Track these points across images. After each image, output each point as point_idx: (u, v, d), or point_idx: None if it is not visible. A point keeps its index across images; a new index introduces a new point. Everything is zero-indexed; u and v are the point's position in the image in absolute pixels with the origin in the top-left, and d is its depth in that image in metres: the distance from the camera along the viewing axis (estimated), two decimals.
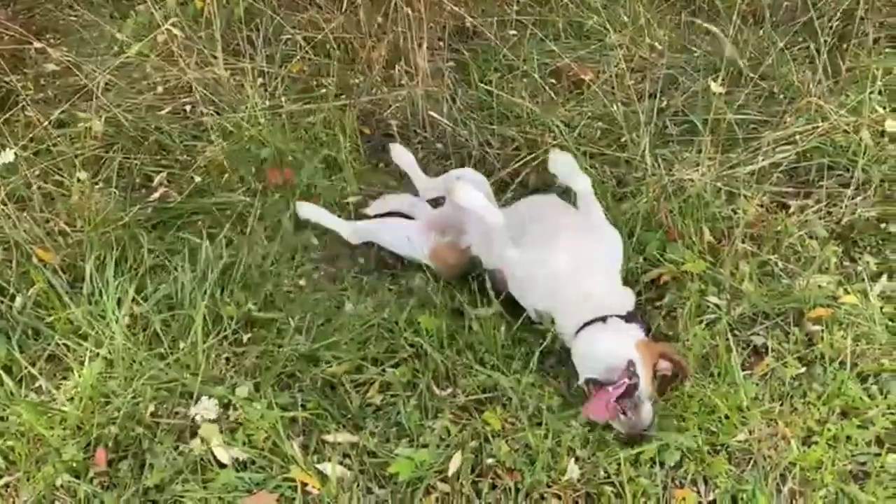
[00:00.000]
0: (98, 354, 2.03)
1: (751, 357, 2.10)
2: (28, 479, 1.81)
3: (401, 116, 2.97)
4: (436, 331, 2.08)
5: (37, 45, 3.40)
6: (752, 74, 2.96)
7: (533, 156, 2.66)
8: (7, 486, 1.82)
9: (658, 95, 2.79)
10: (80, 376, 1.99)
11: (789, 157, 2.49)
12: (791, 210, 2.46)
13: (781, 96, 2.82)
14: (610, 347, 1.88)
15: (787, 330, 2.13)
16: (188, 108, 3.00)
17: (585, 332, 1.95)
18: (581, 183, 2.24)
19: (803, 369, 2.03)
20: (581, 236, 2.14)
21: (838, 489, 1.78)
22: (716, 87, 2.81)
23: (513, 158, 2.69)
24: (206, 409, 1.83)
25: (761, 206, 2.46)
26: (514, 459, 1.83)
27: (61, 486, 1.80)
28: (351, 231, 2.47)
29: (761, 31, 3.22)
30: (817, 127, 2.48)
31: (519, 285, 2.15)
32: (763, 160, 2.44)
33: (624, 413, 1.81)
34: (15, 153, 2.29)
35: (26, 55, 3.35)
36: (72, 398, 1.96)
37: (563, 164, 2.28)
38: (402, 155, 2.71)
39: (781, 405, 1.94)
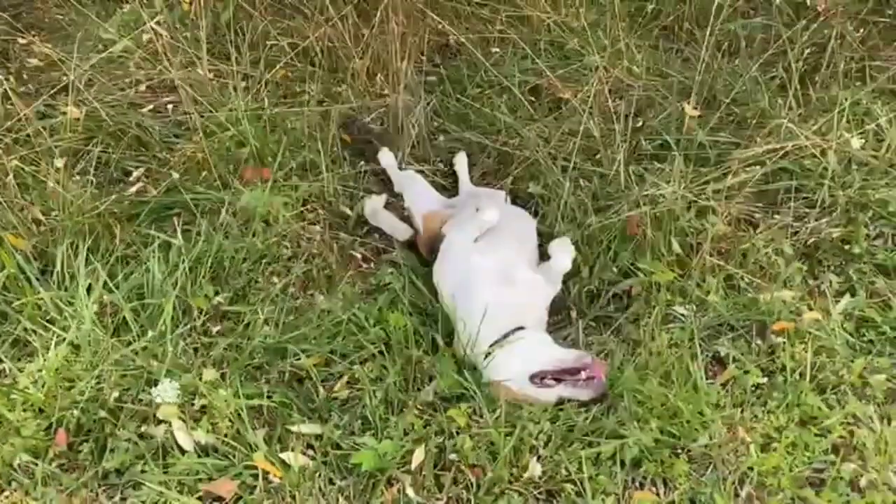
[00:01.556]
0: (64, 339, 2.04)
1: (714, 366, 2.16)
2: None
3: (380, 124, 3.04)
4: (403, 328, 2.12)
5: (21, 40, 3.46)
6: (724, 99, 3.08)
7: (506, 169, 2.75)
8: None
9: (633, 115, 2.89)
10: (44, 360, 1.99)
11: (756, 177, 2.57)
12: (759, 229, 2.54)
13: (752, 121, 2.93)
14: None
15: (750, 341, 2.20)
16: (170, 106, 3.05)
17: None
18: (564, 263, 2.28)
19: (765, 379, 2.09)
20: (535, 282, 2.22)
21: (794, 494, 1.83)
22: (690, 110, 2.92)
23: (489, 169, 2.76)
24: (165, 390, 1.84)
25: (729, 223, 2.54)
26: (478, 455, 1.86)
27: (19, 465, 1.79)
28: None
29: (736, 61, 3.34)
30: (785, 147, 2.58)
31: (453, 276, 2.21)
32: (732, 178, 2.53)
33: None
34: None
35: (10, 50, 3.39)
36: (35, 381, 1.96)
37: (561, 248, 2.31)
38: (386, 157, 2.80)
39: (742, 412, 1.99)
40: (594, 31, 3.38)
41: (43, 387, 1.94)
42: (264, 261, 2.39)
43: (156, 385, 1.94)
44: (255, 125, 2.85)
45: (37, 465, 1.80)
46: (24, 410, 1.89)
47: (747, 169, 2.59)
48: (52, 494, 1.75)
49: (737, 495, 1.85)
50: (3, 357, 2.01)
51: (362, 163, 2.91)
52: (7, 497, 1.77)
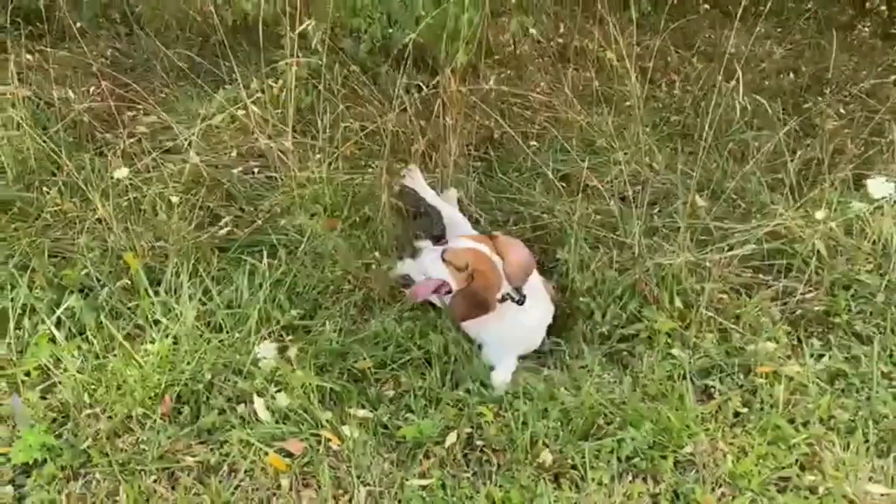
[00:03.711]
0: (168, 335, 2.66)
1: (703, 398, 2.68)
2: (105, 411, 2.40)
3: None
4: (441, 344, 2.70)
5: (129, 112, 4.31)
6: (734, 196, 3.74)
7: (537, 234, 3.40)
8: (89, 416, 2.40)
9: (650, 203, 3.53)
10: (153, 345, 2.61)
11: (753, 253, 3.17)
12: (752, 297, 3.11)
13: (754, 211, 3.55)
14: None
15: (737, 381, 2.72)
16: (256, 170, 3.80)
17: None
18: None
19: (745, 409, 2.61)
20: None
21: (762, 494, 2.31)
22: (700, 202, 3.58)
23: (519, 232, 3.42)
24: (267, 350, 2.44)
25: (725, 292, 3.11)
26: (500, 441, 2.39)
27: (135, 416, 2.37)
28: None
29: (746, 166, 4.02)
30: (778, 227, 3.19)
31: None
32: (728, 251, 3.13)
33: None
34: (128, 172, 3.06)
35: (120, 120, 4.22)
36: (145, 361, 2.57)
37: None
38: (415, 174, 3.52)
39: (723, 430, 2.50)
40: (620, 132, 4.12)
41: (152, 366, 2.54)
42: (330, 289, 3.01)
43: (240, 374, 2.54)
44: (329, 187, 3.57)
45: (149, 416, 2.38)
46: (136, 381, 2.48)
47: (744, 247, 3.19)
48: (161, 440, 2.31)
49: (713, 491, 2.32)
50: (123, 341, 2.62)
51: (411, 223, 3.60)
52: (123, 441, 2.34)
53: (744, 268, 3.24)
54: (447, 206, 3.50)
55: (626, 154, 3.97)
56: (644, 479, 2.37)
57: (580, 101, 4.38)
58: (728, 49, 4.52)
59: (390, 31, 4.19)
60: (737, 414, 2.60)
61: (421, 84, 4.17)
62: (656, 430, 2.46)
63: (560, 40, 5.38)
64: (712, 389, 2.70)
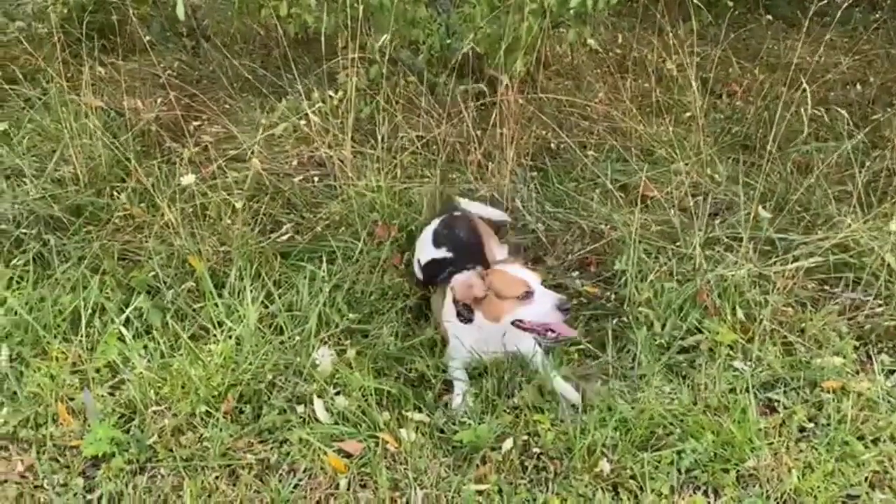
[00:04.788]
0: (231, 336, 2.74)
1: (766, 411, 2.63)
2: (170, 408, 2.48)
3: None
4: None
5: (195, 122, 4.46)
6: (798, 208, 3.66)
7: (595, 244, 3.39)
8: (155, 412, 2.48)
9: (712, 215, 3.49)
10: (217, 346, 2.68)
11: (818, 266, 3.10)
12: (818, 311, 3.04)
13: (819, 221, 3.48)
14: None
15: (802, 395, 2.66)
16: (316, 178, 3.89)
17: None
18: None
19: (811, 424, 2.55)
20: None
21: None
22: (764, 213, 3.52)
23: (577, 241, 3.41)
24: (323, 355, 2.49)
25: (789, 305, 3.05)
26: (557, 450, 2.39)
27: (199, 413, 2.45)
28: None
29: (810, 178, 3.93)
30: (845, 240, 3.11)
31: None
32: (793, 263, 3.07)
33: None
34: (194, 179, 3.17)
35: (186, 129, 4.37)
36: (209, 360, 2.64)
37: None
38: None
39: (787, 444, 2.45)
40: (680, 142, 4.09)
41: (216, 366, 2.62)
42: (388, 295, 3.06)
43: (300, 375, 2.60)
44: (386, 196, 3.63)
45: (212, 415, 2.45)
46: (200, 380, 2.56)
47: (809, 259, 3.12)
48: (223, 438, 2.38)
49: None
50: (188, 340, 2.71)
51: None
52: (186, 438, 2.41)
53: (809, 280, 3.18)
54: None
55: (686, 165, 3.93)
56: (705, 493, 2.33)
57: (639, 111, 4.36)
58: (793, 60, 4.44)
59: (448, 41, 4.25)
60: (802, 429, 2.54)
61: (478, 94, 4.22)
62: (718, 442, 2.43)
63: (618, 51, 5.37)
64: (776, 403, 2.65)
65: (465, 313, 2.69)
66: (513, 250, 3.38)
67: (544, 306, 2.59)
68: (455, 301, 2.69)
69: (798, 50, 4.91)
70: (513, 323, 2.64)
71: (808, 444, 2.47)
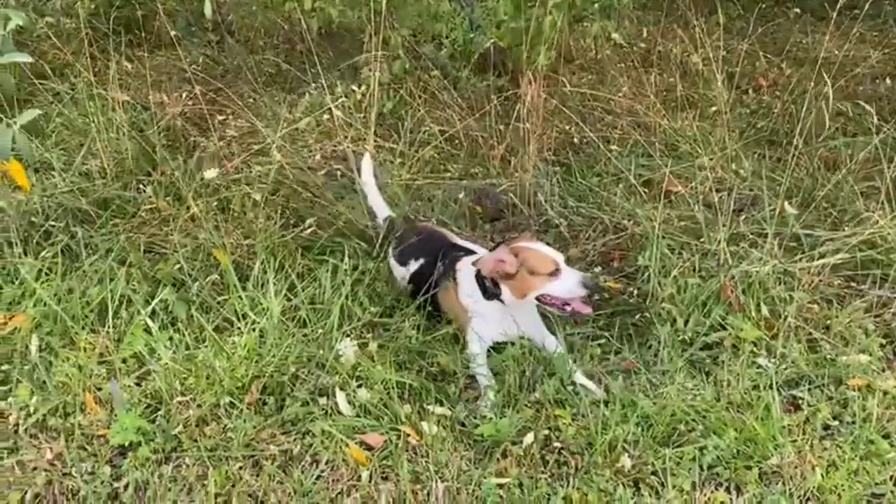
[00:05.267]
0: (255, 329, 2.77)
1: (789, 409, 2.61)
2: (195, 399, 2.51)
3: (508, 198, 3.76)
4: (520, 353, 2.72)
5: (219, 116, 4.50)
6: (825, 204, 3.62)
7: (618, 239, 3.38)
8: (180, 403, 2.52)
9: (736, 211, 3.46)
10: (241, 338, 2.72)
11: (845, 262, 3.07)
12: (844, 308, 3.01)
13: (846, 218, 3.44)
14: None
15: (826, 393, 2.64)
16: (338, 172, 3.91)
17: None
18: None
19: (836, 422, 2.53)
20: None
21: None
22: (789, 209, 3.48)
23: (599, 236, 3.41)
24: (346, 347, 2.52)
25: (814, 302, 3.02)
26: (578, 444, 2.39)
27: (223, 405, 2.48)
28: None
29: (838, 173, 3.89)
30: (873, 235, 3.08)
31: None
32: (819, 260, 3.04)
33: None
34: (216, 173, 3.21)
35: (210, 124, 4.42)
36: (234, 353, 2.68)
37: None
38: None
39: (811, 442, 2.43)
40: (705, 137, 4.06)
41: (240, 358, 2.65)
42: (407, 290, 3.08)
43: (323, 367, 2.62)
44: (408, 192, 3.65)
45: (235, 406, 2.48)
46: (224, 372, 2.59)
47: (835, 254, 3.09)
48: (247, 429, 2.41)
49: None
50: (213, 332, 2.74)
51: (488, 226, 3.63)
52: (211, 428, 2.45)
53: (835, 277, 3.14)
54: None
55: (711, 160, 3.90)
56: (727, 489, 2.32)
57: (663, 105, 4.34)
58: (821, 54, 4.38)
59: (472, 35, 4.25)
60: (826, 427, 2.52)
61: (501, 88, 4.23)
62: (740, 439, 2.41)
63: (643, 45, 5.34)
64: (800, 401, 2.63)
65: (492, 289, 2.74)
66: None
67: (570, 283, 2.67)
68: (481, 277, 2.74)
69: (826, 44, 4.88)
70: (537, 298, 2.71)
71: (832, 442, 2.45)
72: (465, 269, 2.87)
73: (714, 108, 4.45)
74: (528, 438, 2.41)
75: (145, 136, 3.80)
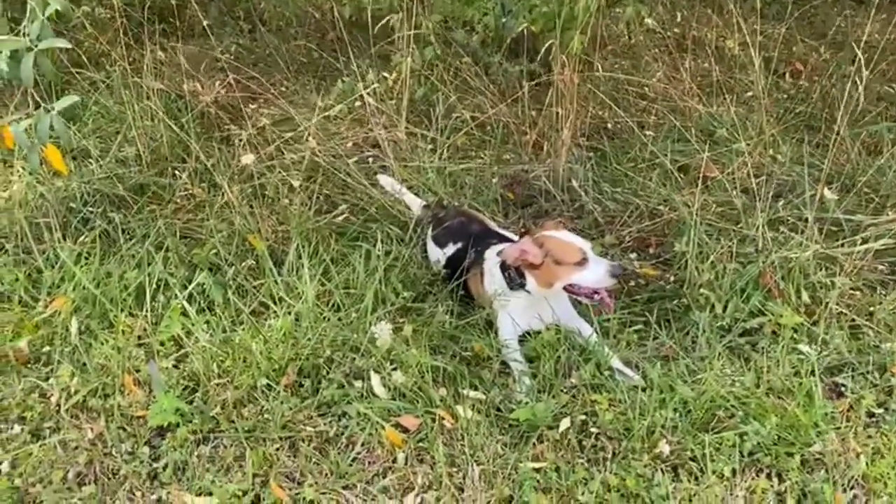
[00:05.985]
0: (290, 312, 2.78)
1: (832, 396, 2.56)
2: (232, 381, 2.53)
3: (541, 184, 3.73)
4: (555, 338, 2.70)
5: (252, 105, 4.52)
6: (866, 189, 3.55)
7: (653, 224, 3.34)
8: (218, 385, 2.54)
9: (774, 196, 3.40)
10: (277, 321, 2.73)
11: (888, 248, 3.00)
12: (888, 294, 2.94)
13: (889, 203, 3.36)
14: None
15: (871, 380, 2.59)
16: (371, 159, 3.91)
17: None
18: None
19: (880, 410, 2.47)
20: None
21: None
22: (829, 194, 3.42)
23: (635, 222, 3.36)
24: (382, 330, 2.52)
25: (857, 288, 2.96)
26: (616, 429, 2.37)
27: (260, 387, 2.50)
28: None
29: (880, 158, 3.80)
30: None
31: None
32: (862, 245, 2.98)
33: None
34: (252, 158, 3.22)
35: (244, 111, 4.44)
36: (270, 337, 2.69)
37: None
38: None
39: (855, 429, 2.38)
40: (742, 122, 3.99)
41: (276, 341, 2.66)
42: (440, 276, 3.06)
43: (358, 351, 2.63)
44: (439, 177, 3.63)
45: (272, 388, 2.49)
46: (261, 354, 2.61)
47: (878, 239, 3.02)
48: (283, 411, 2.43)
49: (844, 492, 2.22)
50: (247, 314, 2.76)
51: (520, 212, 3.61)
52: (248, 410, 2.46)
53: (878, 263, 3.08)
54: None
55: (748, 145, 3.83)
56: (768, 476, 2.29)
57: (699, 90, 4.27)
58: (861, 37, 4.28)
59: (503, 20, 4.22)
60: (871, 414, 2.47)
61: (533, 73, 4.19)
62: (782, 425, 2.37)
63: (677, 30, 5.26)
64: (843, 388, 2.58)
65: (517, 279, 2.70)
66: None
67: (598, 272, 2.62)
68: (505, 267, 2.71)
69: (868, 27, 4.75)
70: (564, 287, 2.67)
71: (877, 430, 2.40)
72: (491, 259, 2.85)
73: (751, 94, 4.37)
74: (565, 423, 2.39)
75: (180, 123, 3.83)
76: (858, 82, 3.21)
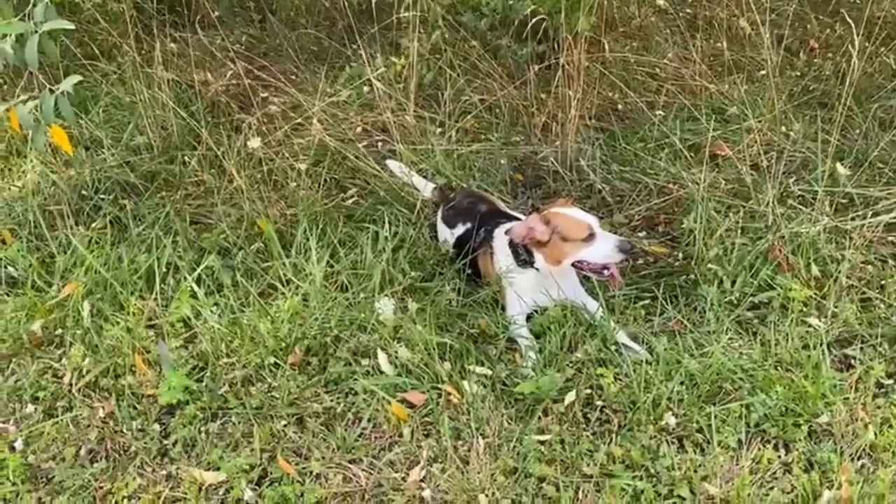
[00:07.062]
0: (298, 293, 2.81)
1: (841, 367, 2.54)
2: (240, 360, 2.57)
3: (550, 165, 3.72)
4: (561, 315, 2.71)
5: (262, 94, 4.55)
6: (879, 164, 3.51)
7: (663, 202, 3.33)
8: (226, 364, 2.58)
9: (784, 170, 3.37)
10: (284, 302, 2.76)
11: None
12: None
13: None
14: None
15: (880, 351, 2.57)
16: (380, 143, 3.94)
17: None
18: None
19: (889, 381, 2.46)
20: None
21: None
22: (842, 170, 3.38)
23: (644, 201, 3.36)
24: (385, 306, 2.55)
25: (868, 262, 2.93)
26: (621, 402, 2.38)
27: (267, 365, 2.53)
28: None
29: (892, 132, 3.75)
30: None
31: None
32: (872, 218, 2.95)
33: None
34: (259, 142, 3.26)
35: (253, 102, 4.47)
36: (277, 316, 2.72)
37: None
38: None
39: (864, 401, 2.37)
40: (753, 100, 3.96)
41: (283, 321, 2.70)
42: (447, 256, 3.08)
43: (365, 330, 2.65)
44: (448, 160, 3.65)
45: (280, 366, 2.53)
46: (268, 333, 2.64)
47: (890, 212, 2.99)
48: (290, 388, 2.46)
49: (852, 461, 2.21)
50: (255, 296, 2.80)
51: (529, 193, 3.61)
52: (256, 388, 2.50)
53: (890, 235, 3.05)
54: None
55: (759, 122, 3.81)
56: (775, 446, 2.28)
57: (710, 69, 4.24)
58: (875, 13, 4.23)
59: (511, 2, 4.21)
60: (880, 385, 2.45)
61: (541, 55, 4.18)
62: (789, 396, 2.37)
63: (688, 10, 5.22)
64: (852, 359, 2.56)
65: (525, 256, 2.71)
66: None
67: (606, 247, 2.62)
68: (514, 245, 2.71)
69: (886, 2, 4.70)
70: (573, 264, 2.68)
71: (886, 401, 2.39)
72: (500, 237, 2.86)
73: (763, 72, 4.33)
74: (570, 397, 2.40)
75: (190, 112, 3.87)
76: (871, 59, 3.17)
